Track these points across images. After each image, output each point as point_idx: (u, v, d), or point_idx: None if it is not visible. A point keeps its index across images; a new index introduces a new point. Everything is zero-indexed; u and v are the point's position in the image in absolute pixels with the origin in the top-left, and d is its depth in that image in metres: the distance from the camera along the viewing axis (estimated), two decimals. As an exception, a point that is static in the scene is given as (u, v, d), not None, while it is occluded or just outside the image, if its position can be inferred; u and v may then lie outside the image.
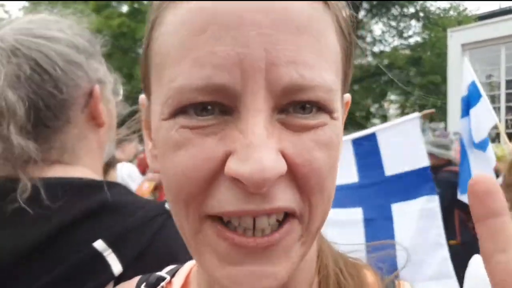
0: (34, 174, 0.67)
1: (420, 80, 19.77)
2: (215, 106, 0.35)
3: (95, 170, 0.79)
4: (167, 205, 0.71)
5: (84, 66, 0.73)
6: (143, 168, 4.96)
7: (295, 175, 0.36)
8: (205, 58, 0.34)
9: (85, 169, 0.76)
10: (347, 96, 0.48)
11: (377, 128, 2.61)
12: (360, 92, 22.57)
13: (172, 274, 0.58)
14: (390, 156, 2.47)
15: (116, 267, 0.64)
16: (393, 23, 21.07)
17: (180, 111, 0.36)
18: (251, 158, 0.33)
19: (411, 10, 20.27)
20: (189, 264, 0.60)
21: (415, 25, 20.88)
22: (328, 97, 0.37)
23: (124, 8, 20.42)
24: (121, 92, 0.85)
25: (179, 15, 0.36)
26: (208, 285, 0.49)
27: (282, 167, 0.34)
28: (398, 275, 0.53)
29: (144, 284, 0.57)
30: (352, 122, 19.06)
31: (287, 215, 0.38)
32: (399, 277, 0.53)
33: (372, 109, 22.71)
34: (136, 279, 0.59)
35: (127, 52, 19.81)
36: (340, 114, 0.41)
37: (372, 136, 2.41)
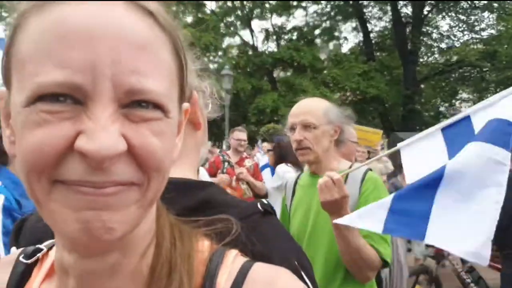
0: None
1: (495, 76, 18.46)
2: (67, 97, 0.42)
3: (192, 170, 0.85)
4: (259, 205, 0.76)
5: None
6: (213, 171, 5.15)
7: (134, 155, 0.44)
8: (64, 61, 0.41)
9: (184, 169, 0.82)
10: (186, 105, 0.58)
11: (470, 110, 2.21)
12: (427, 91, 21.53)
13: (50, 246, 0.63)
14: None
15: None
16: (462, 17, 19.89)
17: (38, 99, 0.42)
18: (96, 138, 0.41)
19: (483, 1, 18.99)
20: None
21: (488, 17, 19.53)
22: (162, 99, 0.46)
23: (189, 19, 21.26)
24: (209, 102, 0.93)
25: (42, 23, 0.43)
26: (61, 261, 0.53)
27: (121, 146, 0.42)
28: (228, 244, 0.61)
29: (23, 255, 0.63)
30: (420, 123, 18.23)
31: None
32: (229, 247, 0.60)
33: (442, 109, 21.54)
34: (18, 251, 0.65)
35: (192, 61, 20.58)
36: (176, 117, 0.51)
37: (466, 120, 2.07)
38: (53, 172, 0.43)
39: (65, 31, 0.42)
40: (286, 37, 21.25)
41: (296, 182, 2.09)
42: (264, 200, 0.79)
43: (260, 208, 0.76)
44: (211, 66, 21.51)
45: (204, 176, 4.45)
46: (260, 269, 0.56)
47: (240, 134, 5.31)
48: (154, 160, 0.46)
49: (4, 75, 0.50)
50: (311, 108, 1.92)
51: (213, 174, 5.00)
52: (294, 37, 20.81)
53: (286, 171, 4.41)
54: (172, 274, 0.53)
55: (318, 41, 20.86)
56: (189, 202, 0.74)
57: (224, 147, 11.01)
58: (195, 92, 0.82)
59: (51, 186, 0.44)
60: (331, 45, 21.57)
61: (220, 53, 21.41)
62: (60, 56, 0.41)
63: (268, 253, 0.69)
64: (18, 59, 0.45)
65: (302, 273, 0.71)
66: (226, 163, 5.19)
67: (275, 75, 21.26)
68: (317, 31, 20.52)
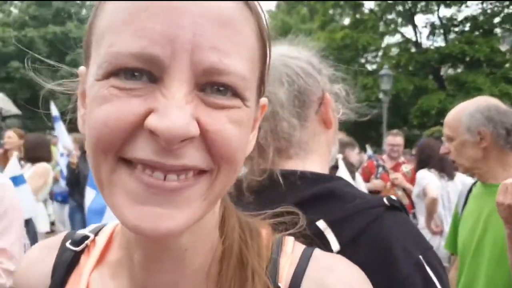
0: (281, 163, 0.85)
1: None
2: (143, 73, 0.40)
3: (323, 165, 0.90)
4: (385, 200, 0.76)
5: (317, 78, 0.88)
6: (366, 176, 5.03)
7: (206, 141, 0.42)
8: (142, 31, 0.39)
9: (314, 163, 0.87)
10: (264, 100, 0.56)
11: None
12: None
13: (96, 232, 0.62)
14: None
15: (335, 245, 0.71)
16: None
17: (112, 73, 0.40)
18: (168, 117, 0.38)
19: None
20: (113, 224, 0.63)
21: None
22: (242, 85, 0.43)
23: (346, 21, 20.99)
24: (340, 108, 0.96)
25: None
26: (127, 241, 0.53)
27: (194, 129, 0.40)
28: (286, 232, 0.62)
29: (70, 241, 0.61)
30: None
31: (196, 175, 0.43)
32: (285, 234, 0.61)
33: None
34: (62, 235, 0.64)
35: (350, 63, 20.29)
36: (254, 108, 0.49)
37: None
38: (120, 150, 0.41)
39: (147, 2, 0.40)
40: (456, 29, 19.06)
41: (470, 190, 1.97)
42: (393, 196, 0.79)
43: (387, 202, 0.76)
44: (369, 67, 20.82)
45: (359, 182, 4.32)
46: (320, 255, 0.57)
47: (393, 139, 5.09)
48: (229, 148, 0.43)
49: (84, 52, 0.48)
50: (448, 119, 1.82)
51: (366, 179, 4.89)
52: (467, 29, 18.49)
53: (423, 177, 4.07)
54: (245, 272, 0.52)
55: (498, 30, 18.07)
56: (314, 190, 0.78)
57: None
58: (328, 94, 0.89)
59: (115, 165, 0.42)
60: (515, 34, 18.45)
61: (380, 53, 20.56)
62: (139, 26, 0.39)
63: (388, 242, 0.70)
64: (98, 32, 0.43)
65: (426, 267, 0.70)
66: (381, 168, 5.04)
67: (442, 72, 19.28)
68: (496, 19, 17.80)
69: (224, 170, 0.45)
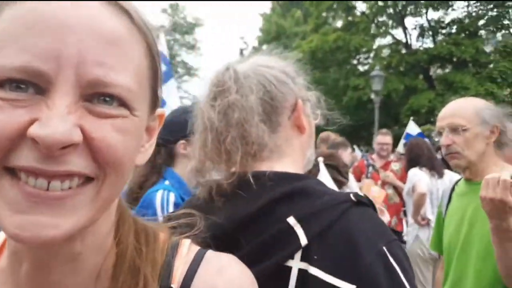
0: (254, 166, 0.89)
1: None
2: (29, 85, 0.42)
3: (296, 168, 0.93)
4: (352, 195, 0.81)
5: (290, 85, 0.94)
6: (357, 176, 5.07)
7: (91, 148, 0.43)
8: (28, 47, 0.41)
9: (287, 166, 0.90)
10: (161, 111, 0.59)
11: None
12: None
13: None
14: None
15: (303, 239, 0.75)
16: None
17: None
18: (49, 125, 0.40)
19: None
20: None
21: None
22: (129, 96, 0.46)
23: (339, 23, 21.44)
24: (318, 113, 1.02)
25: (14, 11, 0.43)
26: (15, 247, 0.51)
27: (76, 136, 0.41)
28: (183, 234, 0.65)
29: None
30: None
31: (82, 183, 0.44)
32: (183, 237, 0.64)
33: None
34: None
35: (342, 64, 20.78)
36: (144, 119, 0.51)
37: None
38: (3, 160, 0.42)
39: (35, 19, 0.42)
40: (443, 31, 19.65)
41: (453, 189, 1.96)
42: (361, 193, 0.84)
43: (353, 198, 0.80)
44: (361, 68, 21.32)
45: (352, 181, 4.20)
46: (212, 257, 0.59)
47: (382, 138, 5.17)
48: (113, 155, 0.45)
49: None
50: (459, 109, 1.74)
51: (357, 179, 4.89)
52: (454, 31, 19.12)
53: (415, 174, 4.16)
54: (136, 278, 0.53)
55: (482, 32, 18.72)
56: (284, 189, 0.81)
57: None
58: (300, 100, 0.95)
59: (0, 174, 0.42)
60: (498, 35, 19.11)
61: (371, 54, 21.04)
62: (25, 41, 0.41)
63: (353, 235, 0.74)
64: None
65: (389, 257, 0.73)
66: (371, 167, 5.13)
67: (431, 73, 19.88)
68: (481, 22, 18.44)
69: (110, 176, 0.45)
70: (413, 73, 19.14)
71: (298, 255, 0.76)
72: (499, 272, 1.53)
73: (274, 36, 25.14)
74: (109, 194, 0.48)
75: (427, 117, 16.29)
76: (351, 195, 0.81)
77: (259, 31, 28.08)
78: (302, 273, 0.74)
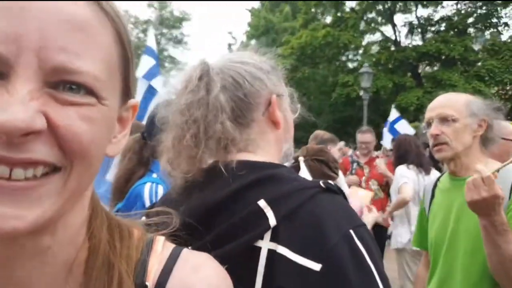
0: (227, 158, 0.90)
1: None
2: None
3: (271, 160, 0.94)
4: (322, 183, 0.83)
5: (265, 81, 0.94)
6: (343, 172, 4.98)
7: (57, 137, 0.42)
8: None
9: (261, 158, 0.92)
10: (134, 101, 0.57)
11: None
12: None
13: None
14: None
15: (272, 220, 0.77)
16: None
17: None
18: (10, 110, 0.39)
19: None
20: None
21: None
22: (95, 84, 0.44)
23: (328, 19, 21.37)
24: (298, 107, 1.04)
25: None
26: None
27: (39, 123, 0.40)
28: (158, 232, 0.64)
29: None
30: None
31: (47, 173, 0.43)
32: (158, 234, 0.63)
33: None
34: None
35: (332, 60, 20.70)
36: (115, 108, 0.50)
37: None
38: None
39: None
40: (432, 29, 19.71)
41: (435, 185, 1.94)
42: (330, 181, 0.85)
43: (322, 184, 0.82)
44: (350, 64, 21.27)
45: (341, 177, 4.29)
46: (187, 255, 0.59)
47: (361, 136, 5.16)
48: (79, 144, 0.43)
49: None
50: (450, 100, 1.75)
51: (344, 173, 4.84)
52: (442, 28, 19.16)
53: (402, 175, 4.10)
54: (110, 274, 0.52)
55: (471, 30, 18.80)
56: (257, 175, 0.83)
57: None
58: (275, 96, 0.95)
59: None
60: (487, 33, 19.21)
61: (360, 51, 21.02)
62: None
63: (320, 218, 0.76)
64: None
65: (356, 240, 0.75)
66: (355, 164, 5.12)
67: (419, 70, 19.93)
68: (470, 20, 18.51)
69: (77, 166, 0.44)
70: (401, 71, 19.20)
71: (267, 236, 0.78)
72: (487, 267, 1.52)
73: (263, 31, 25.02)
74: (77, 185, 0.46)
75: (415, 114, 16.34)
76: (321, 182, 0.83)
77: (248, 26, 27.86)
78: (271, 252, 0.76)
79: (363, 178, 4.89)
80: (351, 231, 0.76)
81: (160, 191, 1.70)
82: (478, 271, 1.58)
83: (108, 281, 0.52)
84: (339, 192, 0.85)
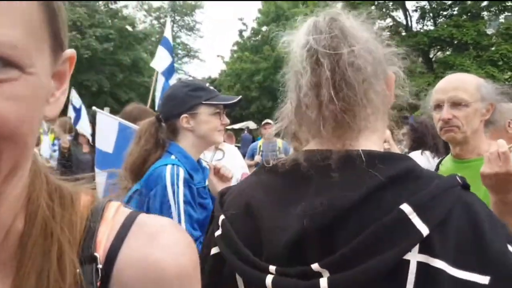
0: (348, 144, 0.76)
1: None
2: None
3: (379, 144, 0.84)
4: (458, 178, 0.73)
5: (381, 56, 0.83)
6: None
7: None
8: None
9: (373, 142, 0.80)
10: (70, 52, 0.51)
11: None
12: None
13: None
14: None
15: (424, 230, 0.66)
16: None
17: None
18: None
19: None
20: None
21: None
22: (14, 53, 0.39)
23: (339, 5, 21.09)
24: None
25: None
26: None
27: None
28: (112, 198, 0.57)
29: None
30: None
31: None
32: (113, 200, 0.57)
33: None
34: None
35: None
36: (44, 70, 0.45)
37: None
38: None
39: None
40: (445, 13, 19.41)
41: (437, 168, 1.89)
42: (459, 174, 0.76)
43: (460, 181, 0.73)
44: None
45: None
46: (144, 221, 0.53)
47: None
48: (7, 127, 0.40)
49: None
50: (463, 83, 1.67)
51: None
52: (455, 13, 18.88)
53: (416, 159, 3.91)
54: (50, 243, 0.48)
55: (485, 14, 18.48)
56: (392, 171, 0.71)
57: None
58: (392, 73, 0.84)
59: None
60: (501, 17, 18.87)
61: (371, 36, 20.82)
62: None
63: (475, 221, 0.67)
64: None
65: (508, 245, 0.66)
66: None
67: (431, 55, 19.73)
68: (484, 3, 18.19)
69: (6, 148, 0.41)
70: (413, 56, 18.94)
71: (416, 247, 0.67)
72: None
73: (273, 18, 24.85)
74: (13, 165, 0.43)
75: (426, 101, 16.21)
76: (457, 177, 0.74)
77: (258, 12, 27.72)
78: (421, 266, 0.66)
79: None
80: (505, 235, 0.68)
81: (181, 173, 1.69)
82: None
83: (45, 251, 0.47)
84: (469, 187, 0.75)
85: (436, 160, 3.73)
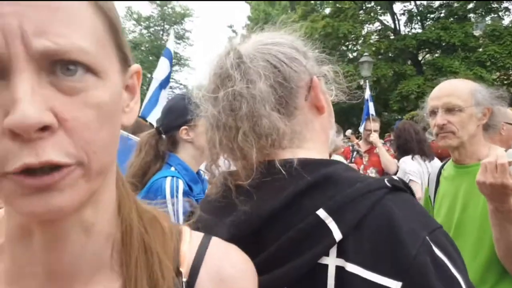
0: (276, 156, 0.80)
1: None
2: None
3: (321, 152, 0.85)
4: (386, 181, 0.73)
5: (303, 62, 0.83)
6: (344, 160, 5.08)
7: (66, 129, 0.43)
8: None
9: (310, 152, 0.82)
10: (136, 67, 0.56)
11: None
12: None
13: None
14: None
15: (336, 234, 0.67)
16: None
17: None
18: (16, 110, 0.39)
19: None
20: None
21: None
22: (87, 58, 0.44)
23: (327, 10, 21.30)
24: (332, 88, 0.92)
25: None
26: (21, 226, 0.51)
27: (46, 118, 0.41)
28: (184, 223, 0.66)
29: None
30: None
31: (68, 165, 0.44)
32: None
33: None
34: None
35: (331, 51, 20.65)
36: (118, 78, 0.50)
37: None
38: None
39: None
40: (432, 16, 19.62)
41: (440, 173, 1.91)
42: (394, 177, 0.76)
43: (387, 183, 0.72)
44: (350, 54, 21.23)
45: None
46: (217, 243, 0.62)
47: (368, 124, 5.25)
48: (89, 132, 0.44)
49: None
50: (456, 89, 1.71)
51: None
52: (442, 15, 19.08)
53: (406, 170, 3.91)
54: (149, 256, 0.55)
55: (471, 16, 18.70)
56: (312, 177, 0.73)
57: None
58: (315, 77, 0.85)
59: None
60: (487, 19, 19.10)
61: (360, 41, 20.98)
62: None
63: (392, 224, 0.67)
64: None
65: (435, 250, 0.65)
66: (355, 153, 5.18)
67: (420, 58, 19.88)
68: (470, 5, 18.40)
69: (90, 151, 0.45)
70: (402, 59, 19.14)
71: (333, 251, 0.68)
72: (495, 254, 1.51)
73: (262, 24, 24.92)
74: (99, 167, 0.46)
75: (416, 103, 16.27)
76: (385, 180, 0.73)
77: (248, 19, 27.82)
78: (339, 270, 0.67)
79: (361, 166, 4.92)
80: (428, 238, 0.66)
81: (181, 185, 1.72)
82: (485, 258, 1.56)
83: (148, 261, 0.54)
84: (406, 188, 0.76)
85: (428, 164, 3.98)
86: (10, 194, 0.43)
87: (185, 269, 0.57)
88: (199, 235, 0.63)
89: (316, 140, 0.85)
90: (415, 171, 3.92)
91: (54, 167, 0.42)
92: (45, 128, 0.41)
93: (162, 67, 4.66)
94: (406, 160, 4.03)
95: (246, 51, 0.82)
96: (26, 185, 0.42)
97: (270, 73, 0.80)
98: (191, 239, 0.61)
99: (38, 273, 0.51)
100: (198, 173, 1.88)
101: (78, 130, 0.43)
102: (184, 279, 0.56)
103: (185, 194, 1.71)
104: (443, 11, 19.03)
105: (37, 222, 0.49)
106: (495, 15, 18.81)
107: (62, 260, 0.51)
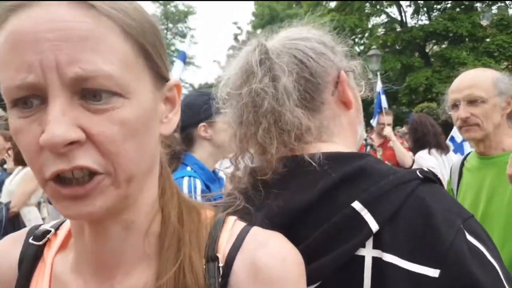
0: (303, 151, 0.80)
1: None
2: (33, 99, 0.49)
3: (348, 147, 0.85)
4: (418, 172, 0.74)
5: (330, 57, 0.84)
6: None
7: (94, 143, 0.49)
8: (20, 65, 0.47)
9: (338, 146, 0.83)
10: (174, 81, 0.62)
11: None
12: None
13: (57, 227, 0.69)
14: None
15: (373, 225, 0.68)
16: None
17: (13, 104, 0.50)
18: (48, 130, 0.46)
19: None
20: None
21: None
22: (113, 83, 0.49)
23: (333, 4, 21.18)
24: (363, 84, 0.93)
25: (1, 38, 0.49)
26: (80, 227, 0.61)
27: (73, 134, 0.47)
28: (228, 212, 0.69)
29: (32, 237, 0.67)
30: None
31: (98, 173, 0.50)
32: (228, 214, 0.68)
33: None
34: (25, 230, 0.70)
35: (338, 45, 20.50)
36: (146, 94, 0.55)
37: None
38: (40, 170, 0.50)
39: (16, 40, 0.48)
40: (438, 6, 19.47)
41: (462, 164, 1.86)
42: (425, 168, 0.76)
43: (420, 175, 0.73)
44: (357, 48, 21.13)
45: None
46: (256, 231, 0.63)
47: (381, 117, 5.21)
48: (114, 145, 0.50)
49: None
50: (477, 80, 1.66)
51: None
52: (449, 5, 18.94)
53: (424, 165, 3.76)
54: (183, 244, 0.59)
55: (478, 5, 18.55)
56: (345, 170, 0.74)
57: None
58: (343, 72, 0.85)
59: (44, 183, 0.51)
60: (494, 8, 18.94)
61: (366, 34, 20.89)
62: (16, 62, 0.48)
63: (427, 214, 0.67)
64: None
65: (468, 236, 0.66)
66: (369, 147, 5.12)
67: (427, 49, 19.78)
68: (476, -5, 18.24)
69: (117, 162, 0.51)
70: (409, 51, 19.04)
71: (369, 243, 0.69)
72: None
73: (268, 20, 24.90)
74: (127, 175, 0.52)
75: (424, 95, 16.27)
76: (418, 172, 0.74)
77: (252, 15, 27.78)
78: (376, 261, 0.68)
79: None
80: (462, 227, 0.67)
81: (198, 185, 1.71)
82: (511, 251, 1.52)
83: (179, 249, 0.59)
84: (436, 180, 0.76)
85: (444, 157, 3.97)
86: (53, 198, 0.51)
87: (221, 254, 0.60)
88: (241, 224, 0.65)
89: (343, 135, 0.86)
90: (433, 166, 3.83)
91: (87, 176, 0.50)
92: (73, 143, 0.48)
93: (176, 70, 4.74)
94: (424, 156, 3.97)
95: (273, 47, 0.84)
96: (63, 194, 0.50)
97: (296, 68, 0.81)
98: (233, 228, 0.64)
99: (90, 262, 0.60)
100: (214, 171, 1.85)
101: (103, 143, 0.49)
102: (221, 265, 0.59)
103: (202, 193, 1.66)
104: (450, 2, 18.87)
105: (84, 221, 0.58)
106: (502, 4, 18.65)
107: (105, 253, 0.59)
